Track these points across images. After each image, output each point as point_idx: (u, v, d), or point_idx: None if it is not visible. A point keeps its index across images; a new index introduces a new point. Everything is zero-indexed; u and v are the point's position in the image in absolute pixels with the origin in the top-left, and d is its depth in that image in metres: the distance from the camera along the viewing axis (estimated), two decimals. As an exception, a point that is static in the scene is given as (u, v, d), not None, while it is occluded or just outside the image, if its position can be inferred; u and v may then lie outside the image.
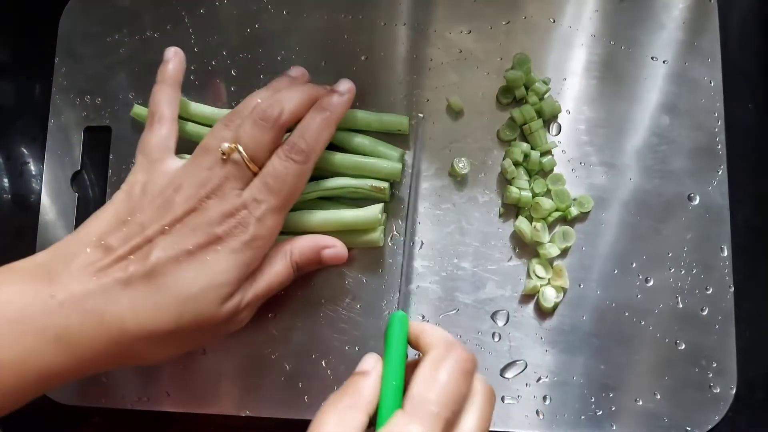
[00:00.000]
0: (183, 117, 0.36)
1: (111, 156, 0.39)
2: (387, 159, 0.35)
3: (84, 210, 0.39)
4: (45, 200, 0.39)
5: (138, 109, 0.38)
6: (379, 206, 0.34)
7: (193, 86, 0.38)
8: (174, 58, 0.35)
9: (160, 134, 0.33)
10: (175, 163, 0.32)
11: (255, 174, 0.31)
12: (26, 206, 0.40)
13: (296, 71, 0.36)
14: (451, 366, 0.26)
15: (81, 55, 0.40)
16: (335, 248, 0.33)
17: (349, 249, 0.34)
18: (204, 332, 0.31)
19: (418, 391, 0.25)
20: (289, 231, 0.34)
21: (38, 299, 0.28)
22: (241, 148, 0.30)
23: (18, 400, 0.28)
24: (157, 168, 0.32)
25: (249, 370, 0.36)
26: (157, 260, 0.29)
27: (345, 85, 0.33)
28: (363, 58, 0.38)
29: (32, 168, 0.41)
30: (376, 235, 0.35)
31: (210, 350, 0.36)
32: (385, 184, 0.34)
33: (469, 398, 0.26)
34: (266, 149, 0.31)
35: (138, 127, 0.38)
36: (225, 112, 0.36)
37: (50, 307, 0.28)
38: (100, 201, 0.39)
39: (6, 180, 0.41)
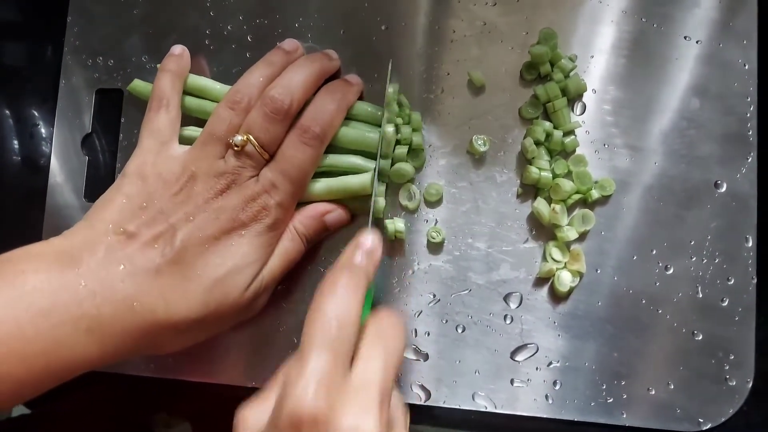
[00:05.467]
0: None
1: (122, 119, 0.38)
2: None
3: (94, 174, 0.38)
4: (54, 163, 0.39)
5: (136, 84, 0.36)
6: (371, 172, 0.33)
7: (208, 51, 0.37)
8: (180, 56, 0.35)
9: (169, 117, 0.33)
10: (182, 148, 0.32)
11: (267, 160, 0.31)
12: (36, 168, 0.40)
13: (290, 45, 0.35)
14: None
15: (94, 15, 0.39)
16: (336, 211, 0.34)
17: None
18: (225, 319, 0.31)
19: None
20: None
21: (68, 288, 0.27)
22: (253, 140, 0.31)
23: (39, 390, 0.27)
24: (166, 152, 0.32)
25: (257, 342, 0.35)
26: (184, 248, 0.29)
27: (355, 78, 0.35)
28: (383, 27, 0.36)
29: (42, 130, 0.40)
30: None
31: (217, 320, 0.35)
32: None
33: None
34: (278, 138, 0.31)
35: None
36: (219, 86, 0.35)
37: (81, 297, 0.27)
38: (111, 165, 0.38)
39: (16, 142, 0.41)
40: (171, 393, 0.43)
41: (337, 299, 0.25)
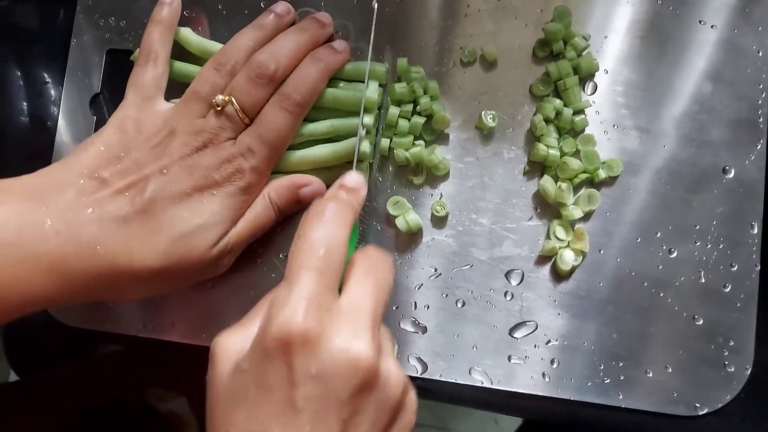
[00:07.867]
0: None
1: (131, 81, 0.38)
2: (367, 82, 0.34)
3: (101, 134, 0.38)
4: (62, 121, 0.39)
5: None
6: (353, 139, 0.33)
7: (220, 16, 0.37)
8: (171, 5, 0.35)
9: (155, 73, 0.33)
10: (166, 104, 0.32)
11: (247, 125, 0.31)
12: (43, 127, 0.40)
13: (282, 8, 0.34)
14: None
15: (108, -25, 0.39)
16: (312, 186, 0.34)
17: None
18: (187, 275, 0.31)
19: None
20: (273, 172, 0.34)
21: (33, 225, 0.27)
22: (235, 102, 0.31)
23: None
24: (149, 106, 0.32)
25: (250, 307, 0.35)
26: (154, 199, 0.29)
27: (341, 45, 0.34)
28: (397, -1, 0.36)
29: (51, 90, 0.40)
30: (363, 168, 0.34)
31: (217, 284, 0.35)
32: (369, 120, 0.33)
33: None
34: (260, 103, 0.32)
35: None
36: (214, 46, 0.35)
37: (46, 235, 0.27)
38: (118, 126, 0.38)
39: (24, 100, 0.41)
40: (166, 367, 0.43)
41: (324, 225, 0.24)
